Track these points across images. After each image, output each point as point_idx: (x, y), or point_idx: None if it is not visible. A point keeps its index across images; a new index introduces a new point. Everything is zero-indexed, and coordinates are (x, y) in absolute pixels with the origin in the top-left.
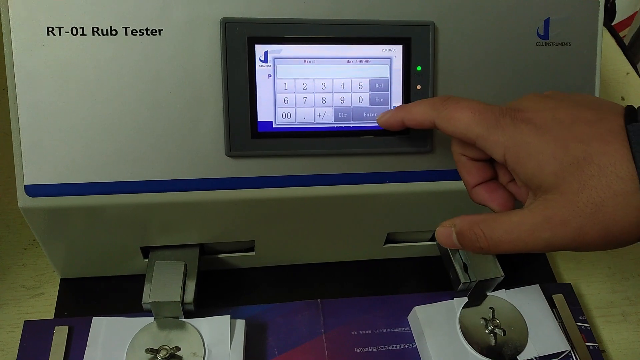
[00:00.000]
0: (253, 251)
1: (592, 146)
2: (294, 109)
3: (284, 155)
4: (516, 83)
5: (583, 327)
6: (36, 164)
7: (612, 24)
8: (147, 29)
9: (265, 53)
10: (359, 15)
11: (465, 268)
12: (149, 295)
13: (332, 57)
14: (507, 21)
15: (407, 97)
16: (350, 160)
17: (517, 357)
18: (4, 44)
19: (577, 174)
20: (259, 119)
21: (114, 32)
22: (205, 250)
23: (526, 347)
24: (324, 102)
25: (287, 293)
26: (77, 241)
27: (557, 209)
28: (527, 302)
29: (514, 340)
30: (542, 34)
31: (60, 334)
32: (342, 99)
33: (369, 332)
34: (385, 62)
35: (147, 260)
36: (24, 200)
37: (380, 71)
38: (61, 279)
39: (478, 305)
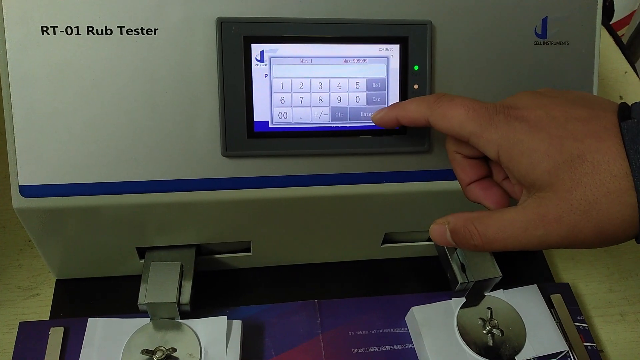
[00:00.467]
0: (250, 251)
1: (585, 144)
2: (290, 108)
3: (281, 155)
4: (514, 82)
5: (581, 327)
6: (31, 165)
7: (610, 22)
8: (142, 29)
9: (262, 52)
10: (356, 15)
11: (462, 268)
12: (145, 296)
13: (328, 57)
14: (505, 20)
15: (404, 96)
16: (348, 160)
17: (515, 358)
18: None
19: (571, 171)
20: (255, 119)
21: (109, 32)
22: (202, 251)
23: (524, 348)
24: (320, 101)
25: (284, 293)
26: (72, 242)
27: (551, 206)
28: (525, 302)
29: (511, 341)
30: (540, 33)
31: (56, 335)
32: (339, 98)
33: (367, 332)
34: (382, 61)
35: (143, 260)
36: (18, 201)
37: (377, 70)
38: (57, 280)
39: (476, 305)
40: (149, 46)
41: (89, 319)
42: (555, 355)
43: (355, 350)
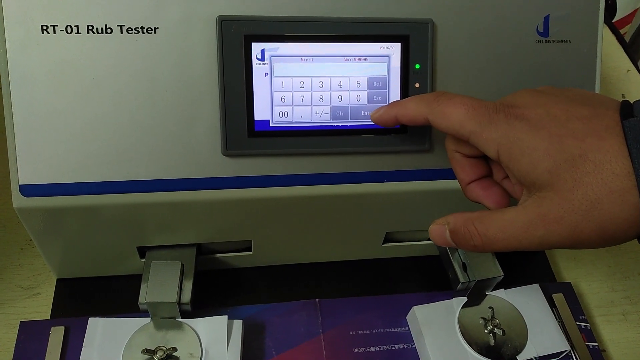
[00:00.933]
0: (250, 251)
1: (587, 142)
2: (291, 107)
3: (281, 155)
4: (516, 81)
5: (583, 327)
6: (31, 164)
7: (613, 21)
8: (142, 27)
9: (262, 51)
10: (357, 13)
11: (464, 267)
12: (146, 295)
13: (329, 55)
14: (506, 18)
15: (405, 95)
16: (348, 159)
17: (517, 357)
18: None
19: (572, 170)
20: (255, 118)
21: (109, 31)
22: (202, 250)
23: (526, 347)
24: (321, 100)
25: (284, 293)
26: (72, 241)
27: (552, 206)
28: (526, 302)
29: (513, 340)
30: (542, 31)
31: (57, 334)
32: (340, 97)
33: (368, 332)
34: (383, 60)
35: (143, 260)
36: (18, 201)
37: (378, 69)
38: (57, 279)
39: (477, 304)
40: (149, 45)
41: (90, 319)
42: (557, 354)
43: (356, 350)
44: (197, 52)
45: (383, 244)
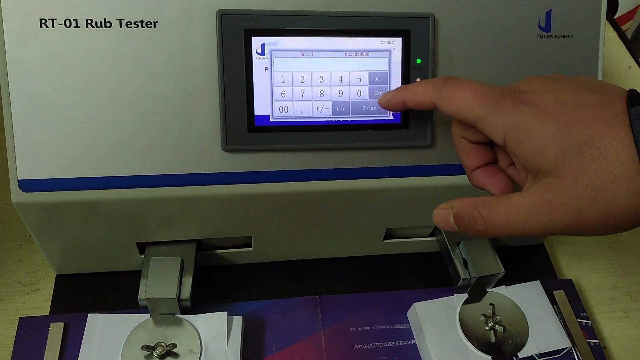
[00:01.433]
0: (250, 247)
1: (594, 129)
2: (291, 102)
3: (282, 150)
4: (517, 76)
5: (584, 324)
6: (30, 159)
7: (614, 17)
8: (141, 21)
9: (262, 45)
10: (358, 7)
11: (465, 264)
12: (145, 291)
13: (330, 50)
14: (508, 13)
15: None
16: (349, 154)
17: (518, 354)
18: None
19: (578, 157)
20: (255, 113)
21: (108, 25)
22: (202, 246)
23: (527, 344)
24: (322, 95)
25: (285, 289)
26: (72, 237)
27: (557, 192)
28: (527, 299)
29: (514, 337)
30: (544, 26)
31: (56, 330)
32: (341, 92)
33: (368, 328)
34: (384, 54)
35: (143, 256)
36: (17, 196)
37: (379, 64)
38: (57, 275)
39: (478, 301)
40: (148, 39)
41: (89, 315)
42: (558, 351)
43: (356, 346)
44: (197, 47)
45: (384, 240)
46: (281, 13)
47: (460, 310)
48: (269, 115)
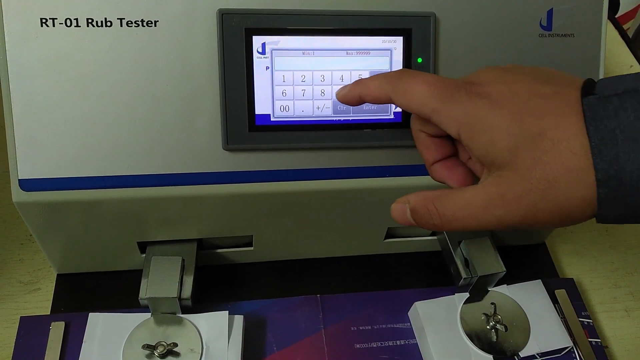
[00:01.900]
0: (251, 246)
1: (546, 120)
2: (292, 101)
3: (282, 149)
4: None
5: (586, 323)
6: (30, 158)
7: (616, 16)
8: (142, 20)
9: (263, 45)
10: (359, 6)
11: (466, 263)
12: (146, 290)
13: (331, 49)
14: (509, 12)
15: None
16: (350, 153)
17: (519, 353)
18: None
19: (531, 149)
20: (256, 112)
21: (108, 24)
22: (203, 245)
23: (528, 343)
24: (322, 94)
25: (286, 288)
26: (73, 236)
27: (511, 185)
28: (529, 298)
29: (515, 336)
30: (546, 25)
31: (57, 329)
32: None
33: (369, 327)
34: (385, 53)
35: (144, 255)
36: (18, 195)
37: (380, 63)
38: (58, 275)
39: (479, 300)
40: (149, 38)
41: (90, 314)
42: (560, 350)
43: (357, 346)
44: (198, 46)
45: (385, 239)
46: (282, 12)
47: (461, 310)
48: (269, 115)
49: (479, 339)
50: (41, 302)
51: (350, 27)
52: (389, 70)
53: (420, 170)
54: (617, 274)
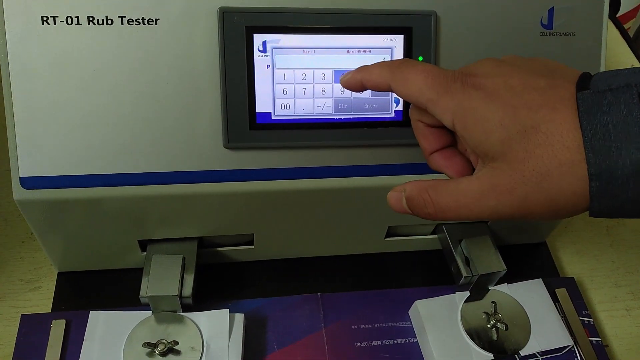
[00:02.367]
0: (252, 244)
1: (540, 114)
2: (293, 100)
3: (283, 147)
4: None
5: (586, 322)
6: (31, 156)
7: (617, 15)
8: (143, 19)
9: (264, 43)
10: (360, 5)
11: (467, 262)
12: (147, 288)
13: (332, 47)
14: (510, 10)
15: None
16: (351, 152)
17: (519, 352)
18: None
19: (524, 142)
20: (257, 110)
21: (109, 22)
22: (204, 244)
23: (528, 342)
24: (323, 93)
25: (286, 287)
26: (73, 234)
27: (503, 177)
28: (529, 297)
29: (516, 335)
30: (546, 23)
31: (58, 327)
32: (342, 90)
33: (370, 326)
34: (386, 52)
35: (145, 253)
36: (19, 193)
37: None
38: (58, 273)
39: (480, 299)
40: (150, 36)
41: (91, 312)
42: (560, 349)
43: (358, 344)
44: (199, 44)
45: (385, 238)
46: (283, 10)
47: (462, 308)
48: (270, 113)
49: (480, 338)
50: (42, 300)
51: (351, 26)
52: None
53: (421, 168)
54: (617, 273)
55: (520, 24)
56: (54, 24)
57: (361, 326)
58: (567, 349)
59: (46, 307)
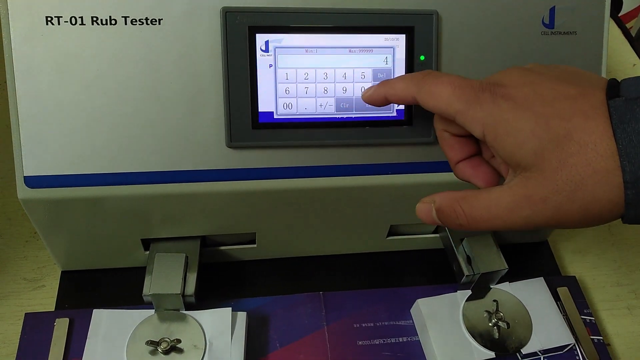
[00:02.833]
0: (254, 243)
1: (572, 122)
2: (295, 99)
3: (285, 146)
4: None
5: (588, 321)
6: (36, 155)
7: (619, 15)
8: (146, 19)
9: (266, 42)
10: (361, 4)
11: (468, 260)
12: (150, 287)
13: (334, 47)
14: (511, 10)
15: None
16: (353, 151)
17: (521, 350)
18: (3, 35)
19: (557, 151)
20: (260, 110)
21: (113, 22)
22: (207, 243)
23: (530, 340)
24: (325, 92)
25: (289, 285)
26: (77, 233)
27: (537, 187)
28: (531, 295)
29: (517, 333)
30: (548, 22)
31: (61, 326)
32: (344, 89)
33: (372, 325)
34: (388, 51)
35: (148, 252)
36: (23, 192)
37: (382, 61)
38: (62, 272)
39: (481, 298)
40: (153, 36)
41: (94, 310)
42: (562, 348)
43: (360, 343)
44: (202, 44)
45: (387, 237)
46: (285, 10)
47: (463, 307)
48: (273, 112)
49: (481, 336)
50: (46, 299)
51: (353, 25)
52: (391, 69)
53: (422, 167)
54: (619, 272)
55: (522, 23)
56: (58, 24)
57: (363, 324)
58: (568, 348)
59: (50, 305)
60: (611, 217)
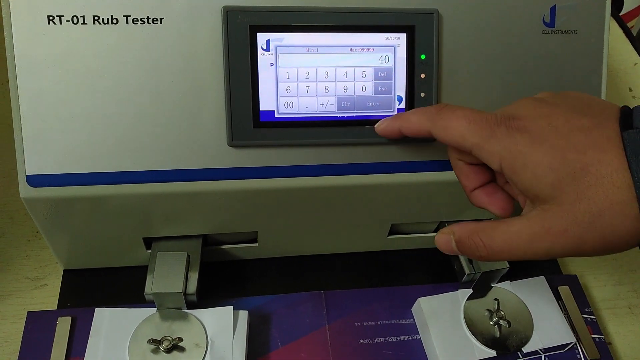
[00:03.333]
0: (256, 242)
1: (588, 155)
2: (296, 98)
3: (287, 145)
4: (522, 71)
5: (589, 319)
6: (38, 154)
7: (620, 14)
8: (148, 18)
9: (267, 41)
10: (363, 3)
11: (469, 259)
12: (152, 286)
13: (335, 46)
14: (512, 9)
15: (410, 86)
16: (354, 150)
17: (522, 349)
18: (5, 34)
19: (575, 184)
20: (261, 109)
21: (114, 21)
22: (208, 241)
23: (531, 339)
24: (326, 91)
25: (290, 284)
26: (79, 232)
27: (556, 219)
28: (532, 294)
29: (518, 332)
30: (549, 21)
31: (64, 324)
32: (345, 88)
33: (373, 323)
34: (389, 50)
35: (149, 251)
36: (25, 191)
37: (383, 60)
38: (64, 270)
39: (483, 296)
40: (154, 35)
41: (96, 309)
42: (563, 347)
43: (361, 341)
44: (203, 43)
45: (388, 235)
46: (286, 9)
47: (464, 306)
48: (274, 111)
49: (482, 335)
50: (48, 298)
51: (354, 24)
52: (393, 70)
53: (423, 166)
54: (620, 271)
55: (523, 22)
56: (60, 23)
57: (364, 323)
58: (569, 346)
59: (52, 304)
60: (628, 245)
